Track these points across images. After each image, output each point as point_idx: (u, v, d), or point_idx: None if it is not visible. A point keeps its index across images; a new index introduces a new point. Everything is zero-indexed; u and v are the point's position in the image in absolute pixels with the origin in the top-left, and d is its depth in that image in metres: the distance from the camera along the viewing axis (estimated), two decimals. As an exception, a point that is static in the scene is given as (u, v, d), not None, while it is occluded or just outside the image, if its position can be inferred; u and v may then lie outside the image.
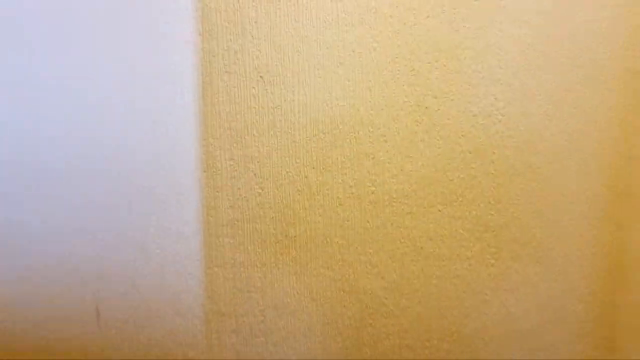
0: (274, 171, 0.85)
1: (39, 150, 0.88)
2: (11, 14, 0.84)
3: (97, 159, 0.88)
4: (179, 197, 0.89)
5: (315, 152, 0.85)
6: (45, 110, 0.88)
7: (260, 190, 0.87)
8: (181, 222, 0.89)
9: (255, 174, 0.87)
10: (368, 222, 0.90)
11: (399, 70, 0.87)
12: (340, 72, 0.86)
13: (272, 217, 0.88)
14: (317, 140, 0.85)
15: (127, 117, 0.87)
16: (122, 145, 0.88)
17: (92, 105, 0.87)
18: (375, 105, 0.88)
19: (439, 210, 0.91)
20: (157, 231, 0.90)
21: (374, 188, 0.89)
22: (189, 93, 0.86)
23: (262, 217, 0.88)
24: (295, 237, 0.85)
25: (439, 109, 0.89)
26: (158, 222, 0.89)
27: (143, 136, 0.87)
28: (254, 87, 0.85)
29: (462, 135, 0.90)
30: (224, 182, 0.88)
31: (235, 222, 0.88)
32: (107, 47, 0.86)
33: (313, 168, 0.87)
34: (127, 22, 0.85)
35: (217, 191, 0.88)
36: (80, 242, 0.91)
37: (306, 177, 0.85)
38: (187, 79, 0.85)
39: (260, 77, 0.85)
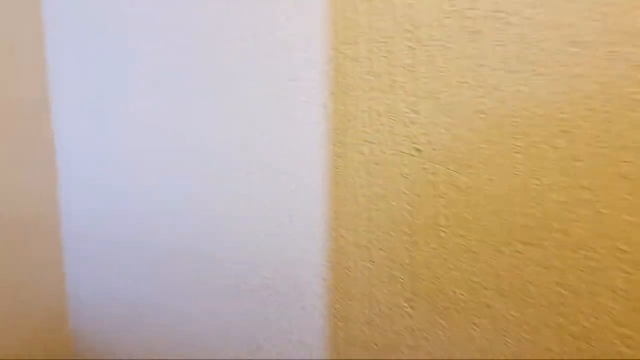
0: (432, 288, 0.57)
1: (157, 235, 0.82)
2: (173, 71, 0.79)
3: (218, 248, 0.77)
4: (302, 299, 0.68)
5: (506, 272, 0.52)
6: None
7: (410, 311, 0.60)
8: (304, 329, 0.69)
9: (403, 287, 0.59)
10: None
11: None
12: (561, 145, 0.47)
13: (429, 353, 0.58)
14: (512, 254, 0.52)
15: (245, 199, 0.71)
16: (240, 233, 0.74)
17: (216, 197, 0.76)
18: (632, 205, 0.46)
19: None
20: (276, 334, 0.71)
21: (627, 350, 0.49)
22: (318, 170, 0.62)
23: (414, 348, 0.61)
24: (463, 388, 0.56)
25: None
26: (278, 323, 0.71)
27: (263, 222, 0.72)
28: (406, 165, 0.56)
29: None
30: (360, 289, 0.62)
31: (374, 347, 0.63)
32: (225, 121, 0.70)
33: (502, 295, 0.53)
34: (245, 80, 0.67)
35: (350, 300, 0.63)
36: (199, 338, 0.80)
37: (489, 306, 0.53)
38: (315, 152, 0.62)
39: (417, 150, 0.54)
